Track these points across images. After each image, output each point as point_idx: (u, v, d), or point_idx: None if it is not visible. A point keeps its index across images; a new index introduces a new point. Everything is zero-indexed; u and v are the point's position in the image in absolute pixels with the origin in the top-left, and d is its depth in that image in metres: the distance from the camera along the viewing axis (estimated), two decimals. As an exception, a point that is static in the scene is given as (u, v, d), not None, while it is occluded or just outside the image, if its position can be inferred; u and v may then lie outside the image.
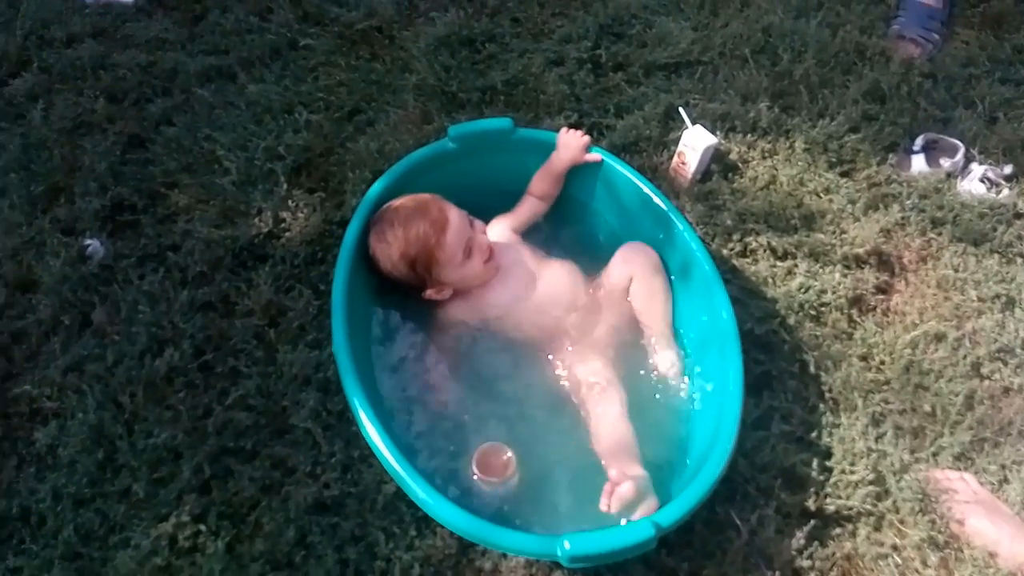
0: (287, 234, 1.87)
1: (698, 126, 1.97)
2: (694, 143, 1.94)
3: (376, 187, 1.65)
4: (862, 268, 1.84)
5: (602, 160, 1.74)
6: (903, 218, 1.93)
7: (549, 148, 1.76)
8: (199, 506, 1.49)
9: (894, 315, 1.80)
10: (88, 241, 1.84)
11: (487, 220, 1.75)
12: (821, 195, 1.97)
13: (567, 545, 1.21)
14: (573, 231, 1.82)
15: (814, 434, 1.59)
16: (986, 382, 1.69)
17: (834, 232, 1.89)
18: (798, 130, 2.08)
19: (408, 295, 1.65)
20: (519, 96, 2.16)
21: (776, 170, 2.01)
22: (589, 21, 2.33)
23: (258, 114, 2.11)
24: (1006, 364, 1.71)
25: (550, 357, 1.65)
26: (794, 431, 1.59)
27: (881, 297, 1.82)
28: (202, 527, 1.47)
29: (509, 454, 1.45)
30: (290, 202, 1.91)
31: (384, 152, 1.99)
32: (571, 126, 2.06)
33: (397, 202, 1.62)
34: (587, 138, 1.76)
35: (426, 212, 1.56)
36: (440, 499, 1.27)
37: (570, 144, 1.74)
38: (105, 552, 1.45)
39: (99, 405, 1.61)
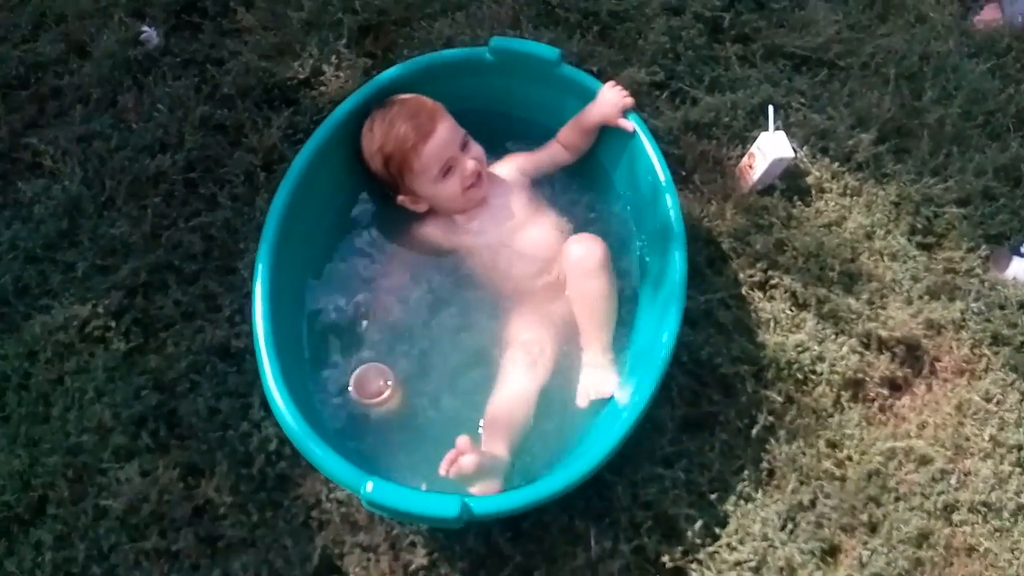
0: (321, 88, 1.84)
1: (780, 133, 1.74)
2: (767, 149, 1.72)
3: (390, 72, 1.57)
4: (881, 353, 1.60)
5: (635, 131, 1.56)
6: (962, 319, 1.65)
7: (590, 96, 1.60)
8: (120, 306, 1.55)
9: (890, 416, 1.57)
10: (145, 28, 1.88)
11: (502, 152, 1.64)
12: (883, 258, 1.71)
13: (369, 487, 1.16)
14: (586, 195, 1.67)
15: (720, 496, 1.43)
16: (950, 530, 1.45)
17: (871, 303, 1.65)
18: (897, 179, 1.80)
19: (386, 196, 1.59)
20: (619, 33, 1.98)
21: (848, 213, 1.76)
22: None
23: (357, -39, 2.05)
24: (984, 522, 1.46)
25: (502, 309, 1.56)
26: (700, 484, 1.44)
27: (886, 392, 1.58)
28: (113, 324, 1.54)
29: (390, 383, 1.40)
30: (337, 58, 1.87)
31: (453, 41, 1.90)
32: (656, 84, 1.90)
33: (400, 97, 1.53)
34: (629, 100, 1.58)
35: (415, 115, 1.47)
36: (284, 392, 1.25)
37: (608, 100, 1.58)
38: (28, 310, 1.55)
39: (85, 180, 1.69)
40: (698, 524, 1.39)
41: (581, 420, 1.42)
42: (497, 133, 1.64)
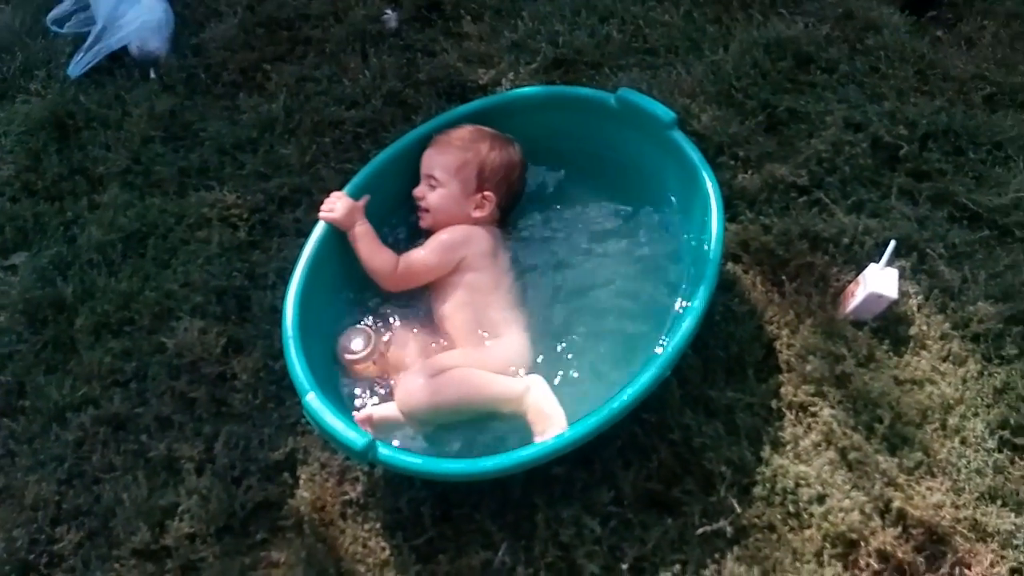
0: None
1: (892, 271, 1.63)
2: (870, 281, 1.62)
3: (519, 91, 1.79)
4: (894, 527, 1.42)
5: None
6: (1013, 538, 1.41)
7: (690, 168, 1.63)
8: (258, 206, 1.91)
9: (872, 594, 1.40)
10: (388, 11, 2.25)
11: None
12: (951, 439, 1.51)
13: (310, 397, 1.34)
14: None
15: (638, 574, 1.39)
16: None
17: (909, 473, 1.47)
18: (1012, 366, 1.58)
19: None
20: (789, 131, 1.95)
21: (938, 379, 1.58)
22: (938, 117, 1.94)
23: (581, 5, 2.24)
24: None
25: None
26: (624, 555, 1.40)
27: (878, 567, 1.40)
28: (246, 216, 1.89)
29: (368, 348, 1.55)
30: (516, 77, 2.08)
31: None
32: (797, 186, 1.86)
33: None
34: None
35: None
36: (297, 298, 1.48)
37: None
38: (198, 185, 1.96)
39: (286, 107, 2.09)
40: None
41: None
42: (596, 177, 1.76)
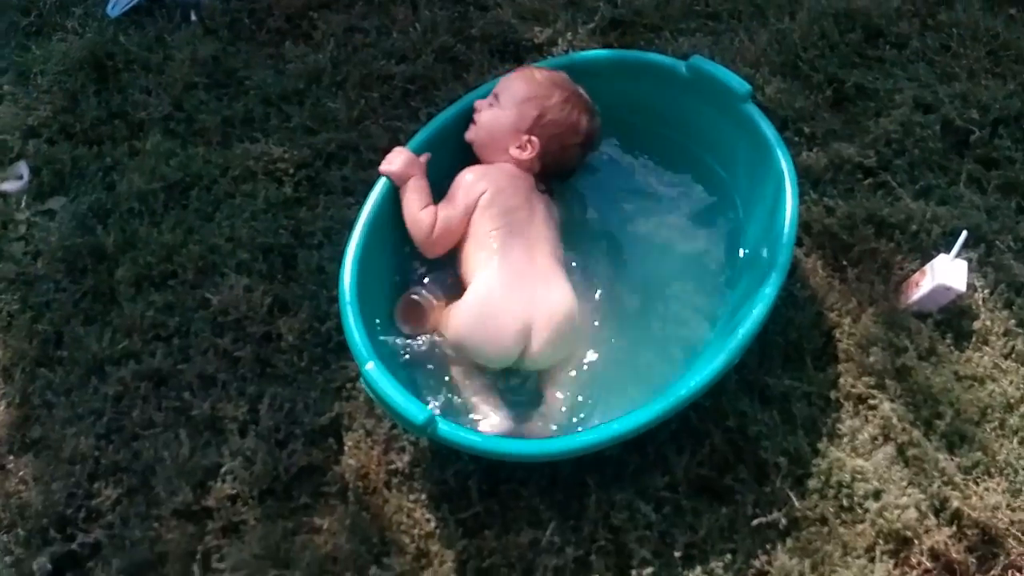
0: (548, 56, 1.97)
1: (961, 262, 1.58)
2: (938, 272, 1.57)
3: (587, 54, 1.71)
4: (948, 526, 1.40)
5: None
6: (1072, 541, 1.39)
7: (761, 145, 1.56)
8: (305, 162, 1.85)
9: (924, 592, 1.38)
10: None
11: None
12: (1010, 437, 1.48)
13: (370, 366, 1.31)
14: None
15: (688, 561, 1.37)
16: None
17: (967, 472, 1.45)
18: (1083, 366, 1.54)
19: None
20: (856, 108, 1.88)
21: (1001, 376, 1.54)
22: (1011, 101, 1.86)
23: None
24: None
25: None
26: (676, 540, 1.38)
27: (931, 567, 1.38)
28: (292, 171, 1.83)
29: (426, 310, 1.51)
30: (573, 37, 2.00)
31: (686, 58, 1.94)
32: (864, 167, 1.79)
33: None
34: None
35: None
36: (356, 261, 1.45)
37: None
38: (242, 136, 1.90)
39: (334, 59, 2.01)
40: (648, 570, 1.35)
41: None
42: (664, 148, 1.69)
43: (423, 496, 1.46)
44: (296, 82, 1.97)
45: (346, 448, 1.52)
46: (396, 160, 1.60)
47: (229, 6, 2.10)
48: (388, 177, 1.59)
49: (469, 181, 1.58)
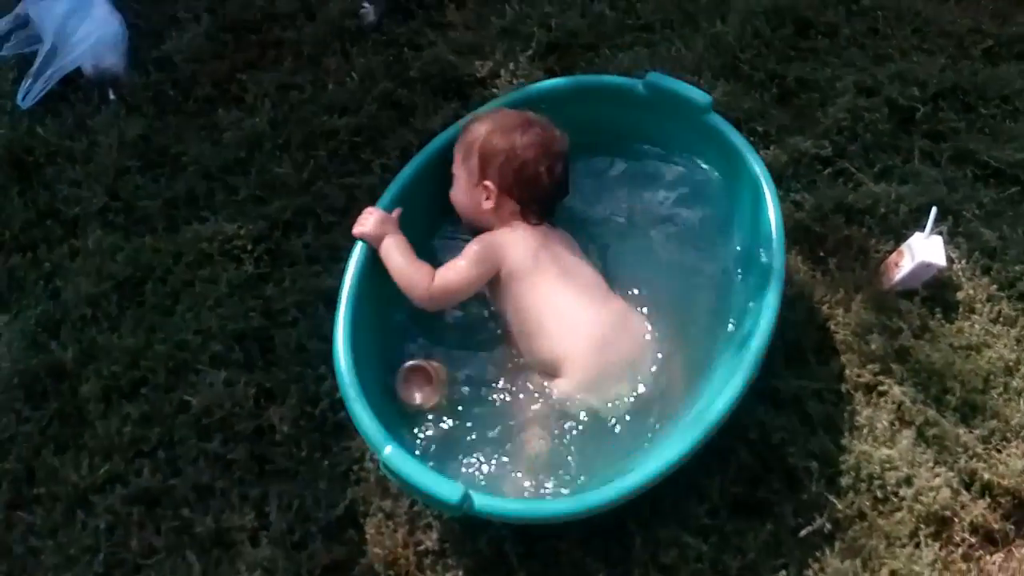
0: (493, 89, 1.94)
1: (938, 238, 1.61)
2: (918, 250, 1.60)
3: (544, 84, 1.67)
4: (982, 498, 1.43)
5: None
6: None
7: (731, 154, 1.56)
8: (261, 234, 1.74)
9: (973, 568, 1.39)
10: (365, 5, 2.08)
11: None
12: (1018, 400, 1.53)
13: (388, 450, 1.23)
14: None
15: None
16: None
17: (986, 441, 1.48)
18: (1067, 321, 1.60)
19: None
20: (800, 101, 1.91)
21: (993, 341, 1.59)
22: (945, 74, 1.93)
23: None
24: None
25: None
26: (728, 567, 1.36)
27: (975, 541, 1.41)
28: (250, 248, 1.72)
29: (425, 389, 1.45)
30: (515, 67, 1.96)
31: (629, 74, 1.91)
32: (821, 158, 1.82)
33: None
34: None
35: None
36: (347, 343, 1.36)
37: None
38: (189, 218, 1.78)
39: (272, 121, 1.91)
40: (708, 605, 1.33)
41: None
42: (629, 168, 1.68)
43: (460, 572, 1.39)
44: (236, 151, 1.86)
45: (368, 536, 1.43)
46: (368, 221, 1.53)
47: (150, 79, 1.97)
48: (363, 240, 1.51)
49: (479, 252, 1.53)
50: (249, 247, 1.72)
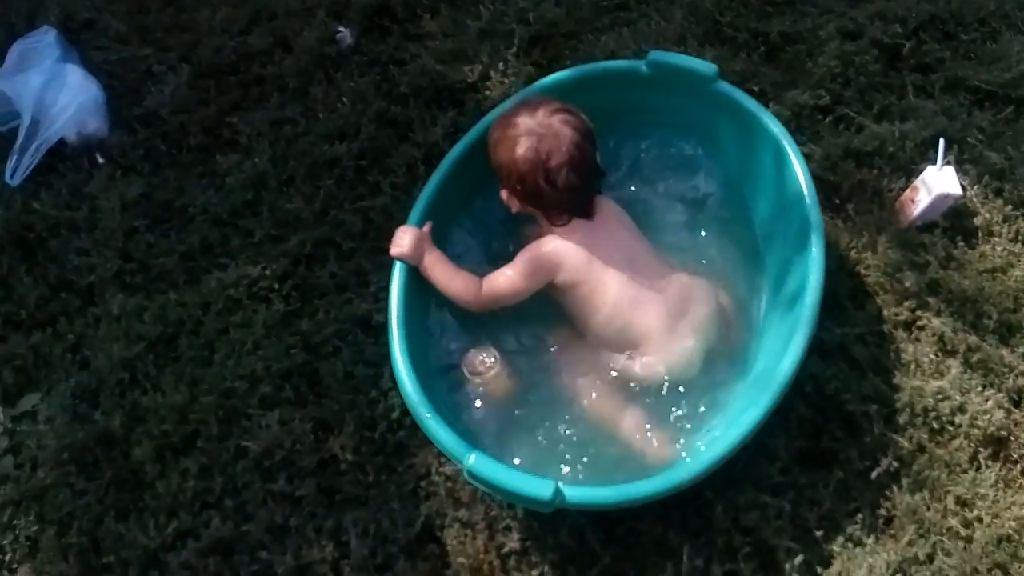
0: (486, 92, 1.95)
1: (950, 168, 1.64)
2: (932, 184, 1.63)
3: (549, 79, 1.66)
4: (1035, 413, 1.47)
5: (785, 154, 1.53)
6: None
7: (746, 118, 1.58)
8: (285, 271, 1.73)
9: (1036, 483, 1.43)
10: (341, 28, 2.08)
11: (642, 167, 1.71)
12: (1050, 313, 1.57)
13: (472, 459, 1.23)
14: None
15: (827, 535, 1.38)
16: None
17: (1030, 358, 1.52)
18: (1081, 228, 1.64)
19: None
20: (787, 55, 1.94)
21: (1017, 261, 1.63)
22: (921, 6, 1.97)
23: (540, -27, 2.14)
24: None
25: None
26: (807, 519, 1.39)
27: (1033, 455, 1.45)
28: (277, 287, 1.71)
29: (492, 360, 1.48)
30: (504, 65, 1.97)
31: (617, 55, 1.94)
32: (820, 108, 1.85)
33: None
34: None
35: None
36: (407, 362, 1.36)
37: None
38: (209, 267, 1.76)
39: (272, 159, 1.89)
40: (799, 559, 1.35)
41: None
42: (646, 147, 1.69)
43: (546, 568, 1.41)
44: (242, 194, 1.85)
45: (449, 548, 1.44)
46: (405, 242, 1.53)
47: (137, 137, 1.95)
48: (402, 260, 1.51)
49: (531, 269, 1.53)
50: (276, 286, 1.72)
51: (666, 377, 1.46)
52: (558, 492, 1.20)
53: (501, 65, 1.97)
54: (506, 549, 1.42)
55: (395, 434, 1.54)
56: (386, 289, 1.58)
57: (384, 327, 1.59)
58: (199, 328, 1.68)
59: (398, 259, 1.52)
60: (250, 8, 2.18)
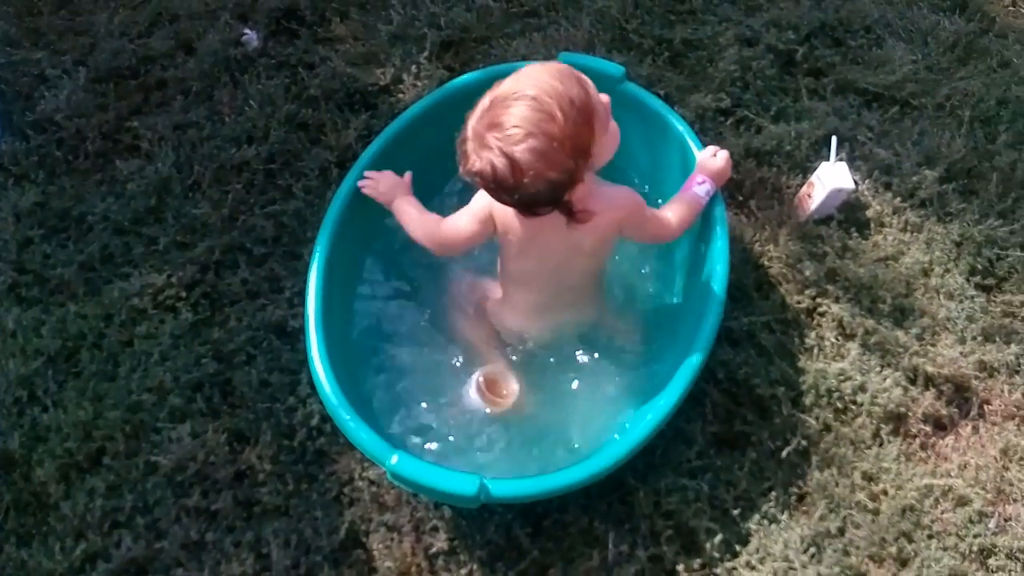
0: (399, 95, 1.94)
1: (842, 164, 1.74)
2: (826, 179, 1.72)
3: (460, 80, 1.67)
4: (927, 390, 1.57)
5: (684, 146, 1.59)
6: (1017, 364, 1.60)
7: (653, 118, 1.63)
8: (193, 279, 1.67)
9: (931, 454, 1.53)
10: (247, 31, 2.04)
11: None
12: (938, 296, 1.67)
13: (394, 460, 1.22)
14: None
15: (744, 513, 1.42)
16: (984, 574, 1.40)
17: (920, 339, 1.62)
18: (961, 219, 1.76)
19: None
20: (690, 60, 2.02)
21: (906, 249, 1.73)
22: (812, 15, 2.08)
23: (448, -21, 2.15)
24: (1022, 570, 1.40)
25: None
26: (724, 500, 1.44)
27: (929, 430, 1.54)
28: (184, 295, 1.65)
29: (516, 387, 1.48)
30: (417, 69, 1.97)
31: (527, 59, 1.97)
32: (722, 110, 1.93)
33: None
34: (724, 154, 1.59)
35: None
36: (326, 364, 1.33)
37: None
38: (110, 277, 1.69)
39: (176, 164, 1.83)
40: (718, 538, 1.39)
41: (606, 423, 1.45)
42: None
43: (475, 566, 1.40)
44: (144, 200, 1.78)
45: (375, 553, 1.42)
46: (381, 182, 1.55)
47: (31, 144, 1.85)
48: (376, 199, 1.54)
49: (478, 214, 1.49)
50: (183, 295, 1.66)
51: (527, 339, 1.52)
52: (483, 488, 1.20)
53: (414, 68, 1.97)
54: (434, 550, 1.41)
55: (315, 441, 1.50)
56: (301, 294, 1.56)
57: (299, 333, 1.57)
58: (101, 341, 1.61)
59: (372, 197, 1.55)
60: (151, 10, 2.12)
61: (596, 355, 1.53)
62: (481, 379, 1.45)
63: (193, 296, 1.66)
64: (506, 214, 1.40)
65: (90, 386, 1.56)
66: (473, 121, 1.25)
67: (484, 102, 1.26)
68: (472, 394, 1.44)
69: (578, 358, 1.54)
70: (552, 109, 1.20)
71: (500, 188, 1.24)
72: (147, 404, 1.53)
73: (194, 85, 1.97)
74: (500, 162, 1.20)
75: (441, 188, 1.72)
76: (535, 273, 1.47)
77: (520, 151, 1.19)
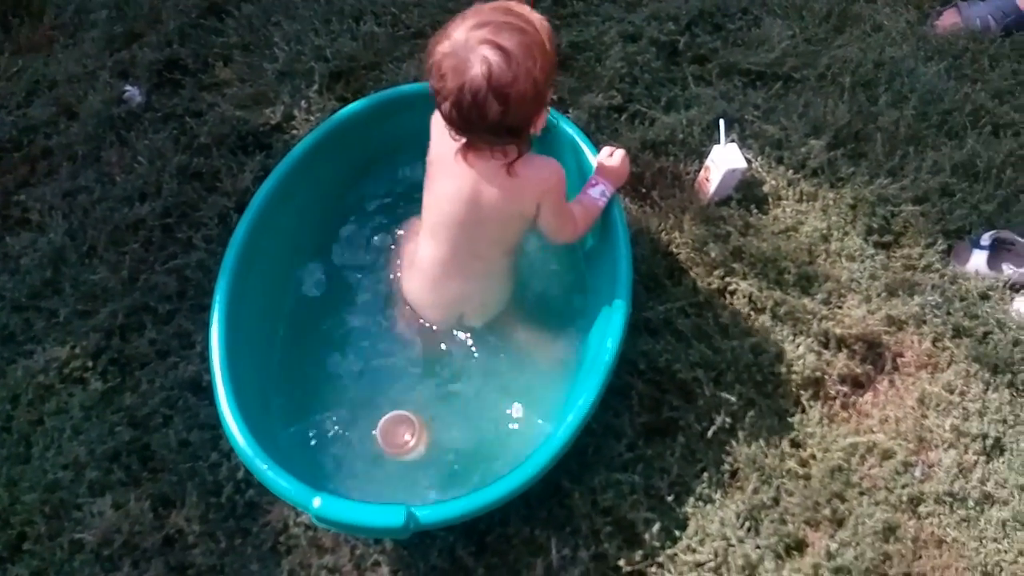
0: (293, 132, 1.93)
1: (733, 145, 1.78)
2: (720, 161, 1.76)
3: (349, 109, 1.66)
4: (840, 351, 1.60)
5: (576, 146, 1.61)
6: (923, 314, 1.65)
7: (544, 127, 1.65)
8: (99, 347, 1.63)
9: (852, 413, 1.57)
10: (128, 88, 2.00)
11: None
12: (840, 259, 1.72)
13: (317, 502, 1.19)
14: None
15: (679, 499, 1.44)
16: (917, 523, 1.44)
17: (827, 303, 1.66)
18: (852, 182, 1.82)
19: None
20: (579, 63, 2.05)
21: (804, 218, 1.78)
22: (691, 4, 2.13)
23: (329, 13, 2.15)
24: (950, 512, 1.44)
25: None
26: (659, 488, 1.45)
27: (847, 390, 1.58)
28: (91, 364, 1.61)
29: (412, 434, 1.43)
30: (307, 104, 1.96)
31: (419, 81, 1.97)
32: (615, 107, 1.95)
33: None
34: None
35: None
36: (236, 413, 1.30)
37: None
38: (13, 356, 1.63)
39: (69, 231, 1.78)
40: (656, 527, 1.40)
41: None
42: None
43: (422, 592, 1.39)
44: (40, 273, 1.72)
45: (319, 597, 1.39)
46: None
47: (-89, 231, 1.79)
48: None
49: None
50: (90, 364, 1.61)
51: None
52: (410, 516, 1.18)
53: (304, 103, 1.95)
54: (378, 584, 1.39)
55: (244, 494, 1.47)
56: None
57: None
58: (10, 423, 1.55)
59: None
60: (27, 79, 2.07)
61: (505, 356, 1.54)
62: (376, 432, 1.43)
63: (100, 364, 1.61)
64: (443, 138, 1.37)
65: (3, 471, 1.50)
66: (454, 30, 1.24)
67: (454, 21, 1.26)
68: (380, 445, 1.43)
69: (497, 359, 1.54)
70: (526, 20, 1.27)
71: (495, 94, 1.21)
72: (64, 481, 1.48)
73: (80, 149, 1.92)
74: (494, 56, 1.21)
75: (346, 218, 1.71)
76: (447, 214, 1.44)
77: (509, 41, 1.21)
